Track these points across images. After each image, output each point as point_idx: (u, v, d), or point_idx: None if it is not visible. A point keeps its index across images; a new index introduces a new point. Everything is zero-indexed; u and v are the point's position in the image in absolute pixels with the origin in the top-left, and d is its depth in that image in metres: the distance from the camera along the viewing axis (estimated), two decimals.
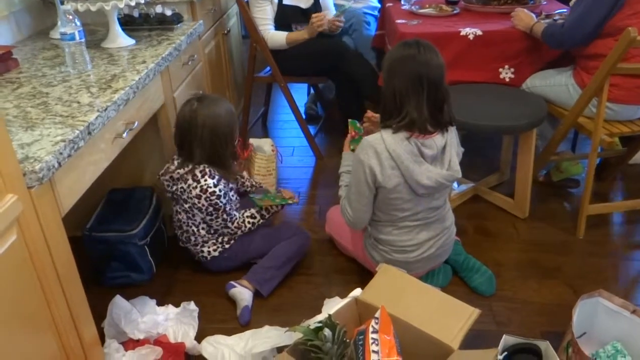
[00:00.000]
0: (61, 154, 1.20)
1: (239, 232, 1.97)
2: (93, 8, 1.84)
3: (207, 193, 1.83)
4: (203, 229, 1.95)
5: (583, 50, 2.18)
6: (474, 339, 1.58)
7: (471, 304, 1.52)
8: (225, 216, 1.90)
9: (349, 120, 2.04)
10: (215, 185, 1.84)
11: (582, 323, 1.58)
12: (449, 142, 1.70)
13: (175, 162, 1.91)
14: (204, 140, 1.82)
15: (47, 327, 1.21)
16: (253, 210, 2.01)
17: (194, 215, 1.92)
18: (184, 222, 1.95)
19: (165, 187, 1.96)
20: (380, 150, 1.64)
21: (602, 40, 2.09)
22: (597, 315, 1.60)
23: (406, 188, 1.68)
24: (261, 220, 2.02)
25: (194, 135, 1.82)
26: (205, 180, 1.83)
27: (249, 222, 1.98)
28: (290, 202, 2.12)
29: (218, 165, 1.87)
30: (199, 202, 1.84)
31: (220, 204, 1.86)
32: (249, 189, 2.24)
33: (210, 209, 1.86)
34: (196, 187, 1.83)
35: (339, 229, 2.08)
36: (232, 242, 1.99)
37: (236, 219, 1.95)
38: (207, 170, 1.84)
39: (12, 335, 1.08)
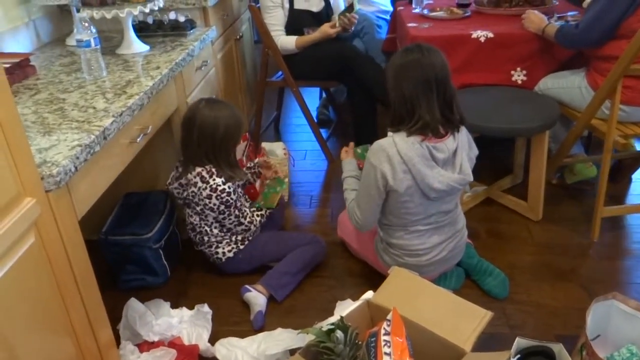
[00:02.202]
0: (77, 158, 1.23)
1: (253, 228, 1.99)
2: (108, 15, 1.87)
3: (218, 192, 1.85)
4: (216, 227, 1.97)
5: (596, 51, 2.17)
6: (487, 342, 1.58)
7: (484, 307, 1.51)
8: (237, 212, 1.92)
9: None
10: (224, 183, 1.86)
11: (596, 326, 1.56)
12: (460, 145, 1.70)
13: (180, 169, 1.93)
14: (200, 142, 1.84)
15: (65, 329, 1.24)
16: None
17: (206, 217, 1.94)
18: (197, 224, 1.97)
19: (175, 195, 1.99)
20: (392, 154, 1.64)
21: (616, 42, 2.08)
22: (611, 318, 1.59)
23: (418, 192, 1.68)
24: (268, 211, 2.07)
25: (191, 135, 1.84)
26: (214, 179, 1.85)
27: (257, 216, 2.02)
28: (284, 184, 2.25)
29: (219, 167, 1.89)
30: (210, 202, 1.86)
31: (231, 201, 1.88)
32: (254, 175, 2.26)
33: (222, 207, 1.88)
34: (206, 187, 1.85)
35: (350, 232, 2.08)
36: (246, 242, 2.01)
37: (248, 214, 1.97)
38: (213, 170, 1.87)
39: (31, 336, 1.10)
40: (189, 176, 1.88)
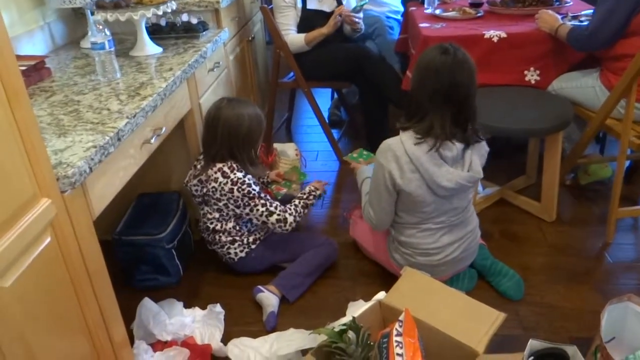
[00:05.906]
0: (92, 159, 1.24)
1: (289, 218, 1.94)
2: (122, 18, 1.89)
3: (238, 184, 1.87)
4: (231, 223, 1.97)
5: (608, 51, 2.15)
6: (501, 344, 1.57)
7: (497, 308, 1.50)
8: (263, 201, 1.92)
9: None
10: (244, 176, 1.89)
11: (611, 328, 1.55)
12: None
13: (199, 166, 1.95)
14: (223, 139, 1.88)
15: (79, 328, 1.25)
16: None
17: (227, 213, 1.96)
18: (216, 219, 1.98)
19: (193, 193, 1.99)
20: (400, 154, 1.64)
21: (627, 40, 2.06)
22: (626, 320, 1.57)
23: (427, 190, 1.68)
24: (303, 210, 2.02)
25: (215, 132, 1.88)
26: (235, 173, 1.88)
27: (294, 209, 1.98)
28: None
29: (241, 164, 1.93)
30: (233, 196, 1.88)
31: (254, 192, 1.90)
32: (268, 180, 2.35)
33: (246, 199, 1.89)
34: (227, 182, 1.87)
35: (362, 232, 2.08)
36: (257, 242, 2.02)
37: (277, 204, 1.96)
38: (234, 165, 1.90)
39: (47, 334, 1.11)
40: (210, 172, 1.90)
